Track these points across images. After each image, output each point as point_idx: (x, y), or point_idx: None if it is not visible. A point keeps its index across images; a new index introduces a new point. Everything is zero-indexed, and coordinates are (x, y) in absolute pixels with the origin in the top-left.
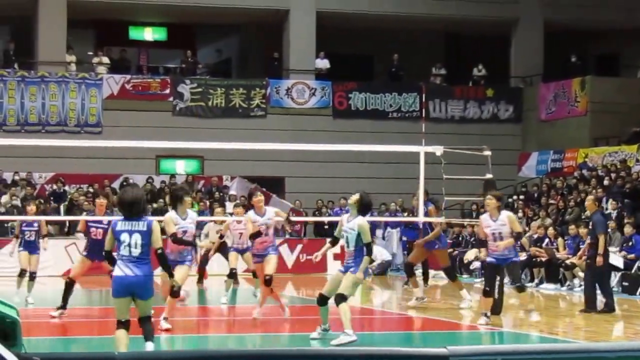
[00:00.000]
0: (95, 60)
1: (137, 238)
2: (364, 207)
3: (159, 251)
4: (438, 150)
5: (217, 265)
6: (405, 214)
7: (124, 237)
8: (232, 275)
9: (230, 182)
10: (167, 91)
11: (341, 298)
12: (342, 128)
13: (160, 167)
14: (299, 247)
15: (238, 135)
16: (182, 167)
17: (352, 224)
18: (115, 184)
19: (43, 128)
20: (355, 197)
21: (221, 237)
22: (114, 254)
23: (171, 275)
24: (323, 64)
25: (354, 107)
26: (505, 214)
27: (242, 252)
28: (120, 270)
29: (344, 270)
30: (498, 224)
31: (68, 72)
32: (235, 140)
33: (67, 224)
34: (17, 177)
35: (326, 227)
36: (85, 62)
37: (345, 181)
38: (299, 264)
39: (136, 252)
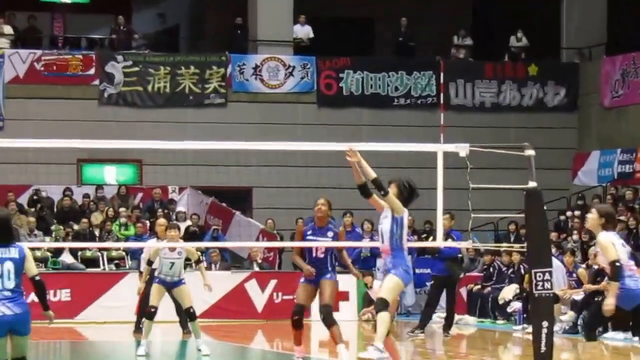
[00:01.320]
0: None
1: (9, 267)
2: (407, 199)
3: (37, 278)
4: (462, 149)
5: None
6: (431, 238)
7: None
8: (152, 315)
9: (179, 195)
10: (92, 71)
11: (383, 304)
12: (330, 120)
13: (83, 175)
14: (273, 283)
15: (189, 131)
16: (112, 176)
17: (387, 212)
18: (23, 199)
19: None
20: (393, 190)
21: (149, 263)
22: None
23: (46, 308)
24: (304, 32)
25: (346, 91)
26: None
27: (170, 286)
28: None
29: (382, 275)
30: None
31: None
32: (185, 138)
33: None
34: None
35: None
36: None
37: (333, 193)
38: (273, 306)
39: (10, 284)
